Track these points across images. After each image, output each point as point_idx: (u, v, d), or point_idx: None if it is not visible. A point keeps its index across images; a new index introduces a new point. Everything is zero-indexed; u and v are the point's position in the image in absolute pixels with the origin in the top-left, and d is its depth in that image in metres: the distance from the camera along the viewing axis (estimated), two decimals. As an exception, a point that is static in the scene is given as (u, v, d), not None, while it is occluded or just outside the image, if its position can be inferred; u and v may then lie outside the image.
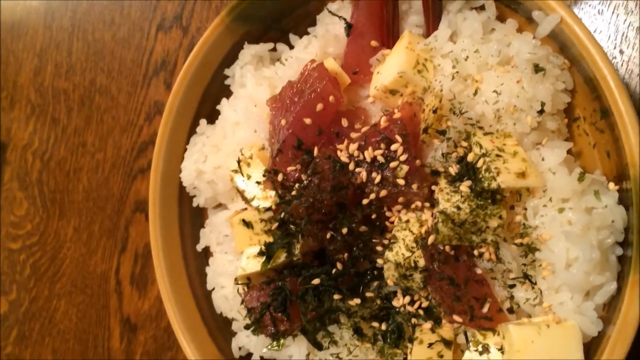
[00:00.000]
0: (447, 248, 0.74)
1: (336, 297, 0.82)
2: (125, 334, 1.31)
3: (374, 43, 0.85)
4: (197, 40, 1.07)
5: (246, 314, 0.94)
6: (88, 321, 1.36)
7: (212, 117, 1.02)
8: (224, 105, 0.98)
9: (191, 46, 1.23)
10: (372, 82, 0.84)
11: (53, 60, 1.46)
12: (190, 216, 1.05)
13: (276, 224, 0.85)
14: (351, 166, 0.78)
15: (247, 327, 0.90)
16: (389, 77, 0.79)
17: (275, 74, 0.93)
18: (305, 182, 0.79)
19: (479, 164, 0.73)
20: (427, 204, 0.78)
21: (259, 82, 0.93)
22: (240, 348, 0.99)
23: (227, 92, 1.00)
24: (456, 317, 0.75)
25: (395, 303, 0.83)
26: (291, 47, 0.97)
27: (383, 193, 0.77)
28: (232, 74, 0.99)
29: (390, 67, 0.81)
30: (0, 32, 1.55)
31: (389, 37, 0.85)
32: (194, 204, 1.03)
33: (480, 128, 0.77)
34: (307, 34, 0.96)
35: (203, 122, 1.01)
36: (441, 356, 0.76)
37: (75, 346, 1.36)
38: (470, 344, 0.77)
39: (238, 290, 0.91)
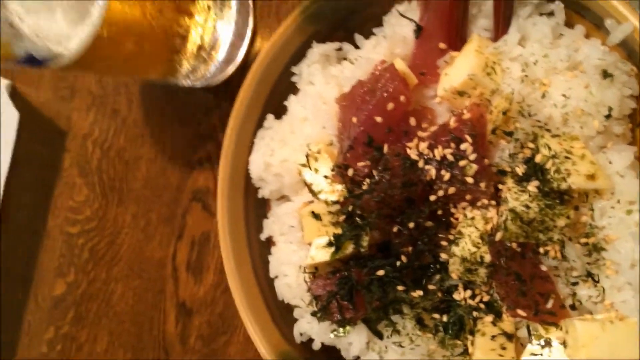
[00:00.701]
0: (514, 245, 0.77)
1: (400, 288, 0.86)
2: (181, 318, 1.35)
3: (442, 45, 0.88)
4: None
5: (310, 301, 0.99)
6: (144, 304, 1.39)
7: (279, 112, 1.06)
8: (292, 102, 1.02)
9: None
10: (441, 84, 0.87)
11: (115, 53, 1.53)
12: (255, 207, 1.10)
13: (344, 217, 0.89)
14: (420, 164, 0.82)
15: (314, 313, 0.94)
16: (459, 79, 0.82)
17: (343, 73, 0.97)
18: (376, 177, 0.83)
19: (548, 165, 0.76)
20: (492, 202, 0.81)
21: (327, 80, 0.97)
22: (301, 334, 1.04)
23: (294, 89, 1.05)
24: (520, 312, 0.78)
25: (456, 296, 0.86)
26: (356, 47, 1.01)
27: (451, 190, 0.80)
28: (300, 71, 1.03)
29: (460, 69, 0.84)
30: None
31: (457, 39, 0.88)
32: (259, 195, 1.08)
33: (548, 130, 0.80)
34: (372, 34, 0.99)
35: (270, 117, 1.05)
36: (504, 348, 0.80)
37: (131, 328, 1.40)
38: (533, 337, 0.80)
39: (305, 278, 0.96)
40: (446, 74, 0.86)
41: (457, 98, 0.85)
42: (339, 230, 0.90)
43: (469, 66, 0.82)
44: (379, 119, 0.85)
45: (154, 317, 1.38)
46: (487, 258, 0.80)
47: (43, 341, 1.48)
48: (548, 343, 0.78)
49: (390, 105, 0.84)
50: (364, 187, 0.85)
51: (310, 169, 0.96)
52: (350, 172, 0.88)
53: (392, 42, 0.93)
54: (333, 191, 0.94)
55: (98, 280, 1.47)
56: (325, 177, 0.95)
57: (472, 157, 0.79)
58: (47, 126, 1.61)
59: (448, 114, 0.88)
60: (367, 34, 1.00)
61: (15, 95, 1.59)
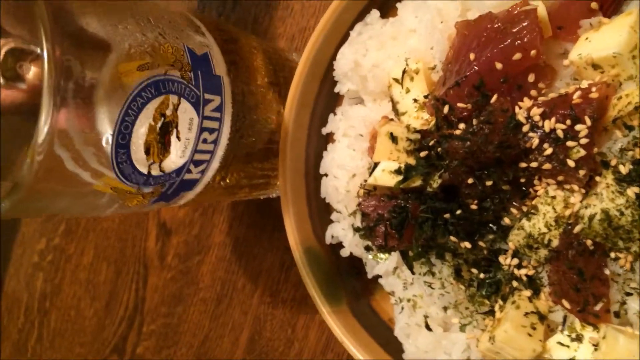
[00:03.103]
0: (589, 242, 0.74)
1: (453, 239, 0.85)
2: (161, 237, 1.44)
3: (594, 5, 0.78)
4: None
5: (352, 212, 0.98)
6: (129, 223, 1.48)
7: (385, 10, 0.98)
8: (406, 6, 0.93)
9: None
10: (577, 47, 0.78)
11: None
12: (326, 98, 1.06)
13: (423, 151, 0.85)
14: (525, 128, 0.77)
15: (357, 229, 0.94)
16: (601, 52, 0.74)
17: (474, -4, 0.88)
18: (475, 127, 0.78)
19: (657, 177, 0.71)
20: (582, 190, 0.77)
21: (453, -3, 0.88)
22: (332, 237, 1.04)
23: (408, -9, 0.96)
24: (565, 302, 0.78)
25: (501, 260, 0.85)
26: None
27: (547, 166, 0.76)
28: (425, -25, 0.93)
29: (605, 41, 0.75)
30: None
31: (613, 5, 0.79)
32: (335, 89, 1.03)
33: (671, 141, 0.74)
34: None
35: (375, 12, 0.97)
36: (534, 328, 0.80)
37: (115, 243, 1.50)
38: (566, 328, 0.80)
39: (358, 192, 0.94)
40: (587, 39, 0.78)
41: (588, 69, 0.77)
42: (412, 161, 0.86)
43: (617, 42, 0.74)
44: (499, 65, 0.78)
45: (137, 235, 1.47)
46: (555, 243, 0.77)
47: (35, 251, 1.58)
48: (579, 339, 0.78)
49: (517, 56, 0.76)
50: (457, 132, 0.80)
51: (402, 86, 0.90)
52: (446, 108, 0.82)
53: (540, -20, 0.82)
54: (418, 118, 0.89)
55: (88, 198, 1.51)
56: (415, 100, 0.89)
57: (584, 141, 0.73)
58: None
59: (570, 80, 0.81)
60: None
61: None
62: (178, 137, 0.83)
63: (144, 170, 0.80)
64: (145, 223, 1.46)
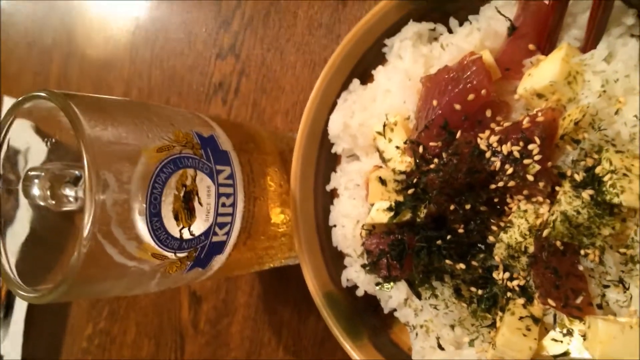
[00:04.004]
0: (558, 243, 0.85)
1: (448, 262, 0.96)
2: (193, 305, 1.60)
3: (531, 47, 0.94)
4: (247, 65, 1.58)
5: (361, 253, 1.10)
6: (164, 297, 1.65)
7: (364, 79, 1.15)
8: (380, 72, 1.10)
9: (242, 69, 1.61)
10: (522, 83, 0.93)
11: (136, 86, 1.81)
12: (326, 160, 1.21)
13: (409, 189, 0.98)
14: (488, 154, 0.90)
15: (363, 265, 1.06)
16: (541, 83, 0.89)
17: (431, 54, 1.04)
18: (445, 159, 0.91)
19: (606, 178, 0.82)
20: (547, 200, 0.89)
21: (415, 58, 1.04)
22: (347, 280, 1.16)
23: (383, 60, 1.12)
24: (550, 301, 0.87)
25: (495, 275, 0.96)
26: (449, 30, 1.07)
27: (511, 184, 0.88)
28: (391, 44, 1.10)
29: (544, 73, 0.90)
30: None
31: (547, 43, 0.94)
32: (332, 150, 1.19)
33: (613, 145, 0.86)
34: (467, 20, 1.05)
35: (356, 81, 1.14)
36: (529, 329, 0.89)
37: (153, 319, 1.66)
38: (557, 325, 0.89)
39: (361, 233, 1.07)
40: (529, 75, 0.92)
41: (534, 99, 0.91)
42: (400, 198, 1.00)
43: (552, 72, 0.88)
44: (457, 107, 0.92)
45: (172, 308, 1.63)
46: (531, 249, 0.88)
47: (83, 337, 1.76)
48: (570, 333, 0.87)
49: (471, 96, 0.91)
50: (432, 166, 0.93)
51: (384, 137, 1.05)
52: (421, 149, 0.96)
53: (484, 34, 0.98)
54: (402, 162, 1.03)
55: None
56: (397, 147, 1.04)
57: (537, 157, 0.86)
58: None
59: (523, 111, 0.95)
60: (462, 19, 1.06)
61: None
62: (200, 203, 0.98)
63: (177, 235, 0.95)
64: (178, 296, 1.60)
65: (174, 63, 1.74)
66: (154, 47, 1.78)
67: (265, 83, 1.59)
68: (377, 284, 1.09)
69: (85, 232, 0.82)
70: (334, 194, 1.21)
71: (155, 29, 1.78)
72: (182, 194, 0.95)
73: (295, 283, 1.48)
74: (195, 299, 1.60)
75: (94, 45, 1.92)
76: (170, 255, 0.96)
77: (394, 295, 1.09)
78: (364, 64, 1.14)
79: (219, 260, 1.07)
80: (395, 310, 1.12)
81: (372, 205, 1.03)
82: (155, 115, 1.00)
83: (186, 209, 0.96)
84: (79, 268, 0.83)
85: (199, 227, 0.99)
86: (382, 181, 1.01)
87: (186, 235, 0.97)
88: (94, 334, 1.74)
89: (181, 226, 0.96)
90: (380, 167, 1.07)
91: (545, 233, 0.86)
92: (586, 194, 0.84)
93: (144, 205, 0.89)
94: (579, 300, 0.85)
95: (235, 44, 1.65)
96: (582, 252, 0.85)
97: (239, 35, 1.64)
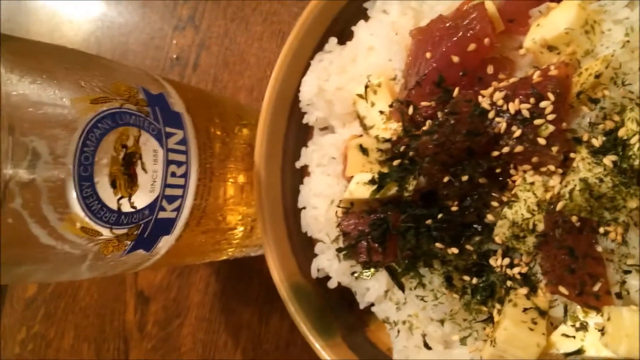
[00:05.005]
0: (574, 219, 0.71)
1: (438, 245, 0.82)
2: (139, 306, 1.41)
3: (540, -6, 0.81)
4: (208, 37, 1.39)
5: (335, 238, 0.95)
6: (107, 297, 1.45)
7: (342, 38, 1.00)
8: (361, 27, 0.96)
9: (202, 42, 1.43)
10: (530, 34, 0.80)
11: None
12: (296, 132, 1.05)
13: (395, 159, 0.83)
14: (491, 114, 0.76)
15: (339, 249, 0.90)
16: (553, 32, 0.75)
17: (421, 7, 0.90)
18: (440, 120, 0.77)
19: (632, 141, 0.69)
20: (559, 170, 0.75)
21: (404, 11, 0.90)
22: (318, 270, 1.00)
23: (364, 16, 0.98)
24: (562, 289, 0.73)
25: (492, 262, 0.82)
26: (442, -19, 0.93)
27: (519, 148, 0.74)
28: (374, -2, 0.96)
29: (556, 21, 0.76)
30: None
31: (557, -10, 0.81)
32: (304, 121, 1.03)
33: (638, 105, 0.73)
34: (462, -30, 0.92)
35: (333, 40, 0.99)
36: (535, 323, 0.75)
37: (94, 321, 1.46)
38: (568, 318, 0.75)
39: (336, 213, 0.91)
40: (538, 25, 0.79)
41: (544, 53, 0.78)
42: (385, 169, 0.85)
43: (567, 19, 0.75)
44: (455, 59, 0.78)
45: (115, 309, 1.43)
46: (540, 227, 0.74)
47: (16, 342, 1.54)
48: (584, 327, 0.73)
49: (472, 46, 0.77)
50: (424, 129, 0.79)
51: (366, 101, 0.91)
52: (410, 110, 0.82)
53: (484, -20, 0.85)
54: (386, 129, 0.88)
55: (66, 278, 1.50)
56: (381, 112, 0.89)
57: (551, 117, 0.73)
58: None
59: (529, 69, 0.81)
60: (456, -30, 0.93)
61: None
62: (144, 169, 0.81)
63: (114, 206, 0.78)
64: (123, 295, 1.41)
65: (127, 38, 1.56)
66: (103, 20, 1.59)
67: (227, 56, 1.43)
68: (353, 273, 0.94)
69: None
70: (304, 172, 1.06)
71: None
72: (121, 156, 0.78)
73: (258, 279, 1.31)
74: (143, 298, 1.41)
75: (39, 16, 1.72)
76: (105, 231, 0.78)
77: (372, 287, 0.94)
78: (342, 21, 1.00)
79: (166, 242, 0.90)
80: (372, 305, 0.96)
81: (351, 179, 0.88)
82: (93, 64, 0.83)
83: (126, 175, 0.79)
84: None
85: (142, 198, 0.82)
86: (364, 150, 0.86)
87: (126, 207, 0.80)
88: (28, 338, 1.53)
89: (119, 195, 0.78)
90: (361, 136, 0.92)
91: (559, 206, 0.72)
92: (608, 160, 0.70)
93: (71, 165, 0.72)
94: (596, 287, 0.72)
95: (194, 15, 1.48)
96: (602, 230, 0.72)
97: (199, 5, 1.48)
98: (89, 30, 1.59)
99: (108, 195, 0.77)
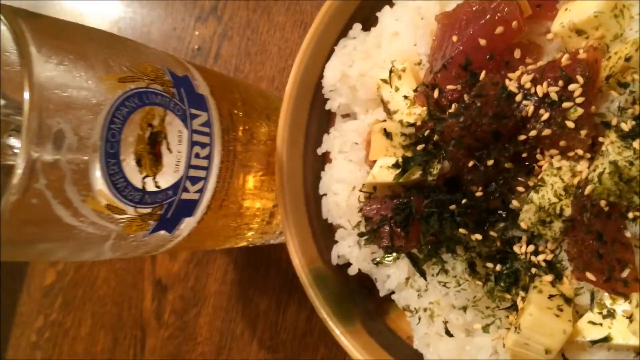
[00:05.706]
0: (603, 203, 0.70)
1: (462, 231, 0.81)
2: (157, 294, 1.41)
3: (568, -22, 0.80)
4: (230, 28, 1.40)
5: (357, 224, 0.94)
6: (124, 285, 1.46)
7: (367, 24, 1.00)
8: (386, 13, 0.95)
9: (224, 32, 1.44)
10: (558, 18, 0.79)
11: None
12: (318, 119, 1.05)
13: (419, 144, 0.83)
14: (518, 97, 0.75)
15: (361, 234, 0.90)
16: (582, 16, 0.74)
17: (448, -8, 0.90)
18: (467, 103, 0.76)
19: (664, 124, 0.68)
20: (587, 155, 0.74)
21: (430, -4, 0.90)
22: (339, 257, 1.00)
23: (389, 2, 0.98)
24: (590, 275, 0.72)
25: (516, 249, 0.81)
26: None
27: (546, 132, 0.73)
28: (400, -17, 0.95)
29: (585, 6, 0.76)
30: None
31: (587, -25, 0.80)
32: (327, 107, 1.03)
33: (670, 89, 0.72)
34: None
35: (357, 26, 0.99)
36: (561, 310, 0.74)
37: (112, 309, 1.46)
38: (595, 305, 0.74)
39: (359, 198, 0.91)
40: (567, 9, 0.78)
41: (572, 37, 0.77)
42: (408, 154, 0.84)
43: (596, 3, 0.74)
44: (482, 42, 0.78)
45: (133, 297, 1.44)
46: (568, 212, 0.73)
47: (33, 330, 1.55)
48: (611, 314, 0.72)
49: (500, 29, 0.77)
50: (450, 111, 0.78)
51: (390, 86, 0.90)
52: (436, 93, 0.81)
53: (511, -35, 0.84)
54: (410, 114, 0.88)
55: (84, 266, 1.51)
56: (405, 97, 0.89)
57: (580, 100, 0.72)
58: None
59: (557, 55, 0.80)
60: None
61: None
62: (169, 149, 0.81)
63: (139, 185, 0.78)
64: (141, 284, 1.42)
65: (149, 29, 1.57)
66: (126, 11, 1.60)
67: (249, 47, 1.43)
68: (374, 260, 0.93)
69: (19, 171, 0.65)
70: (325, 159, 1.06)
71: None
72: (147, 135, 0.78)
73: (275, 268, 1.31)
74: (160, 287, 1.41)
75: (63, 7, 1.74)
76: (130, 210, 0.79)
77: (393, 275, 0.93)
78: (367, 8, 0.99)
79: (189, 224, 0.90)
80: (393, 292, 0.96)
81: (373, 164, 0.88)
82: (121, 45, 0.84)
83: (152, 154, 0.79)
84: (8, 221, 0.66)
85: (166, 178, 0.82)
86: (388, 134, 0.86)
87: (150, 186, 0.80)
88: (45, 326, 1.54)
89: (144, 174, 0.79)
90: (384, 121, 0.91)
91: (587, 190, 0.71)
92: (638, 143, 0.69)
93: (99, 142, 0.72)
94: (625, 274, 0.71)
95: (217, 6, 1.49)
96: (631, 215, 0.71)
97: (222, -4, 1.49)
98: (112, 21, 1.60)
99: (133, 174, 0.77)
